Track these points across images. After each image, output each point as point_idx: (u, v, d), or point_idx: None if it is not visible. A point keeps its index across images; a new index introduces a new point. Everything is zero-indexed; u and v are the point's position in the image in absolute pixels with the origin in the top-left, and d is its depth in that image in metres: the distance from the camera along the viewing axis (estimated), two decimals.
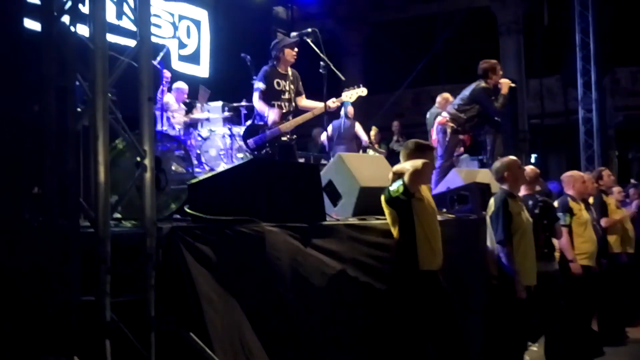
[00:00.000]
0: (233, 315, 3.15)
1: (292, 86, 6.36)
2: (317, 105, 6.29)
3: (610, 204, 7.37)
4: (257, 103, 6.26)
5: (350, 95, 6.27)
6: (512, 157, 5.38)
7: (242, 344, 3.14)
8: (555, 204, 6.23)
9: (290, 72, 6.38)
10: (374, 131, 11.58)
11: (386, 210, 4.25)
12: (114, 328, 2.79)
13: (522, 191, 5.68)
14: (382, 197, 4.25)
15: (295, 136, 6.35)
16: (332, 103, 6.16)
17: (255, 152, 6.19)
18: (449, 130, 7.36)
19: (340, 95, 6.27)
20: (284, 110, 6.27)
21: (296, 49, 6.34)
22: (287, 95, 6.34)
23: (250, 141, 6.20)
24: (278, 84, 6.29)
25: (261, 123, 6.22)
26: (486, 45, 17.17)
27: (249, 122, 6.56)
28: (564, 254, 6.02)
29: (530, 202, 5.60)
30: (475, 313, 5.31)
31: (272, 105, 6.21)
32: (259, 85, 6.25)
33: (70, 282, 2.78)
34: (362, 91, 6.30)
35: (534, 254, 5.11)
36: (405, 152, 4.37)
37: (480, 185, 6.00)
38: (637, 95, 16.95)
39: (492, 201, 5.17)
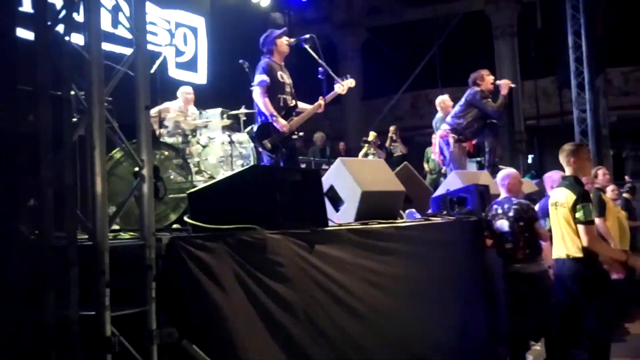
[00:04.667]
0: (244, 321, 3.10)
1: (290, 80, 6.23)
2: (309, 107, 6.18)
3: (608, 202, 7.35)
4: (260, 99, 5.92)
5: (342, 87, 6.17)
6: (581, 145, 5.43)
7: (256, 349, 3.10)
8: (536, 207, 6.19)
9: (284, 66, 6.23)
10: (372, 136, 11.55)
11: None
12: (115, 342, 2.73)
13: (502, 194, 5.70)
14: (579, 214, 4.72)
15: (302, 133, 6.21)
16: (324, 101, 6.06)
17: (272, 154, 6.01)
18: (451, 141, 7.45)
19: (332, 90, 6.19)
20: (290, 105, 6.13)
21: (287, 38, 6.19)
22: (289, 89, 6.16)
23: (266, 142, 5.98)
24: (281, 77, 6.09)
25: (272, 122, 5.93)
26: (481, 48, 17.26)
27: (253, 126, 6.38)
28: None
29: (506, 205, 5.58)
30: (477, 311, 5.39)
31: (278, 99, 6.02)
32: (262, 78, 5.93)
33: (69, 296, 2.72)
34: (351, 82, 6.22)
35: None
36: (564, 155, 5.00)
37: (480, 187, 6.01)
38: (630, 95, 17.11)
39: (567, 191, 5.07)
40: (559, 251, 4.99)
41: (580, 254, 4.80)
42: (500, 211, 5.57)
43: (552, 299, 5.54)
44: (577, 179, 4.92)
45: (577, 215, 4.71)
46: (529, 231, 5.48)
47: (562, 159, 5.04)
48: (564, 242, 4.90)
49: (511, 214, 5.50)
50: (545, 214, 5.95)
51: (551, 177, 6.38)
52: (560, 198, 4.93)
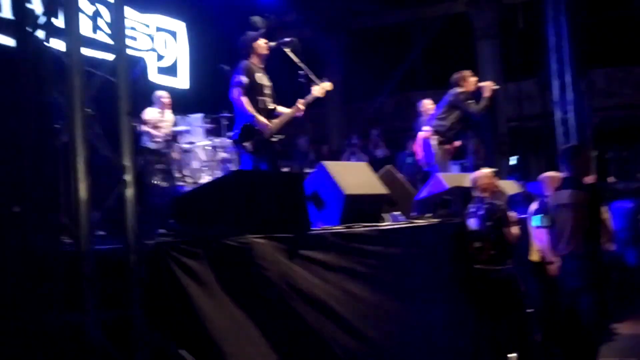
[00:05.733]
0: (230, 324, 3.11)
1: (270, 83, 6.19)
2: (287, 111, 6.09)
3: None
4: (239, 99, 5.80)
5: (319, 90, 6.13)
6: (583, 147, 5.47)
7: (242, 351, 3.11)
8: (535, 205, 6.22)
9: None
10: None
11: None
12: (101, 346, 2.72)
13: (477, 194, 5.67)
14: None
15: (282, 136, 6.17)
16: (303, 104, 6.02)
17: (254, 156, 5.96)
18: (434, 143, 7.43)
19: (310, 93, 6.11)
20: (270, 107, 6.09)
21: (265, 40, 6.10)
22: (268, 92, 6.07)
23: (248, 144, 5.86)
24: (260, 78, 5.98)
25: (252, 122, 5.79)
26: (463, 50, 17.31)
27: (235, 130, 6.33)
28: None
29: (478, 204, 5.57)
30: (461, 314, 5.40)
31: (257, 102, 5.95)
32: (240, 78, 5.82)
33: (53, 301, 2.71)
34: (328, 85, 6.15)
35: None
36: (566, 157, 5.19)
37: (463, 189, 6.02)
38: (613, 96, 17.18)
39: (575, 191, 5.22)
40: (563, 248, 5.14)
41: (582, 250, 4.99)
42: (473, 210, 5.59)
43: (525, 308, 5.59)
44: (579, 180, 5.06)
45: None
46: (496, 232, 5.45)
47: (564, 160, 5.17)
48: (568, 240, 5.06)
49: (481, 212, 5.51)
50: (544, 211, 5.98)
51: (552, 177, 6.39)
52: (565, 199, 5.09)
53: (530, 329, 5.66)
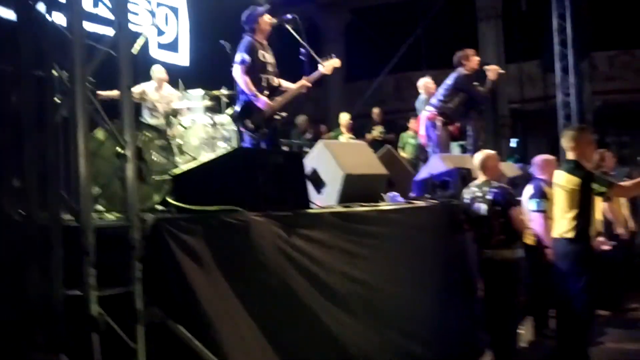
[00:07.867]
0: (225, 302, 3.13)
1: (273, 60, 6.13)
2: (293, 87, 6.07)
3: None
4: (241, 78, 5.80)
5: (327, 67, 6.07)
6: (584, 129, 5.39)
7: (236, 330, 3.14)
8: (531, 188, 6.21)
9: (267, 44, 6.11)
10: (343, 119, 11.24)
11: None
12: (101, 322, 2.75)
13: (481, 177, 5.59)
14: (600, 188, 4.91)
15: (285, 114, 6.11)
16: (308, 81, 5.98)
17: (254, 134, 5.91)
18: (439, 124, 7.40)
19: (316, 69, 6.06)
20: (273, 84, 6.01)
21: (269, 16, 6.05)
22: (271, 69, 6.04)
23: (248, 122, 5.88)
24: (263, 56, 5.97)
25: (254, 100, 5.82)
26: (466, 31, 17.22)
27: (234, 107, 6.30)
28: None
29: (485, 188, 5.45)
30: (457, 295, 5.46)
31: (260, 79, 5.93)
32: (243, 57, 5.81)
33: (54, 276, 2.73)
34: (336, 62, 6.11)
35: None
36: (566, 139, 5.09)
37: (462, 170, 6.01)
38: (615, 80, 17.09)
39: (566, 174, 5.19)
40: (555, 231, 5.19)
41: (570, 234, 4.97)
42: (479, 194, 5.45)
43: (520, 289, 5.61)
44: (578, 164, 4.99)
45: (600, 190, 4.88)
46: (505, 216, 5.35)
47: (564, 143, 5.12)
48: (558, 222, 5.09)
49: (490, 197, 5.37)
50: (540, 195, 5.98)
51: (545, 160, 6.38)
52: (559, 180, 5.11)
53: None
